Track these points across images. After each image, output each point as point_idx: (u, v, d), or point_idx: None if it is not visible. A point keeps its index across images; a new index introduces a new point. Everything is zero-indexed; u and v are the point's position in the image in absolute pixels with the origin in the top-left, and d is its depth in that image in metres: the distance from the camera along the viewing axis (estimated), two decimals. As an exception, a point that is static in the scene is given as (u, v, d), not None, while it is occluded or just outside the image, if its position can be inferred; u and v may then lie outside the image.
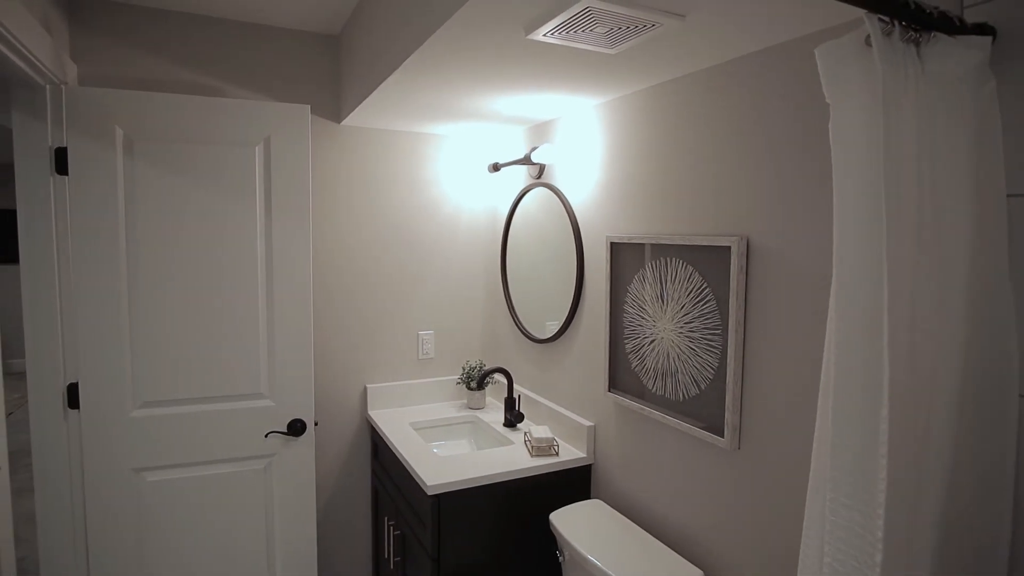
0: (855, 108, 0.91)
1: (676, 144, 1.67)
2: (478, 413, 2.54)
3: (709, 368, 1.56)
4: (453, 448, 2.45)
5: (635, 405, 1.81)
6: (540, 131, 2.34)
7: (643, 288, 1.78)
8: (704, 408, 1.58)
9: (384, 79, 1.76)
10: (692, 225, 1.62)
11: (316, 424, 2.32)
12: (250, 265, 2.10)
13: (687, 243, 1.60)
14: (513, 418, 2.33)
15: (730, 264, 1.48)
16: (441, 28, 1.31)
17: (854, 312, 0.90)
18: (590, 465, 2.08)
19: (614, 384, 1.92)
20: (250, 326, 2.12)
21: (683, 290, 1.64)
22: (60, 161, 1.89)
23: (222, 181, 2.06)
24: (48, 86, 1.85)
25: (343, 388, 2.53)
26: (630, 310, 1.84)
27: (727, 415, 1.50)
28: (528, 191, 2.42)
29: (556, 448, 2.07)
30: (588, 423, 2.06)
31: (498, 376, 2.61)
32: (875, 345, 0.88)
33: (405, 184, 2.57)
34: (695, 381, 1.61)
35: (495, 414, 2.52)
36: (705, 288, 1.57)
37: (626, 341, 1.86)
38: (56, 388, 1.94)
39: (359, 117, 2.31)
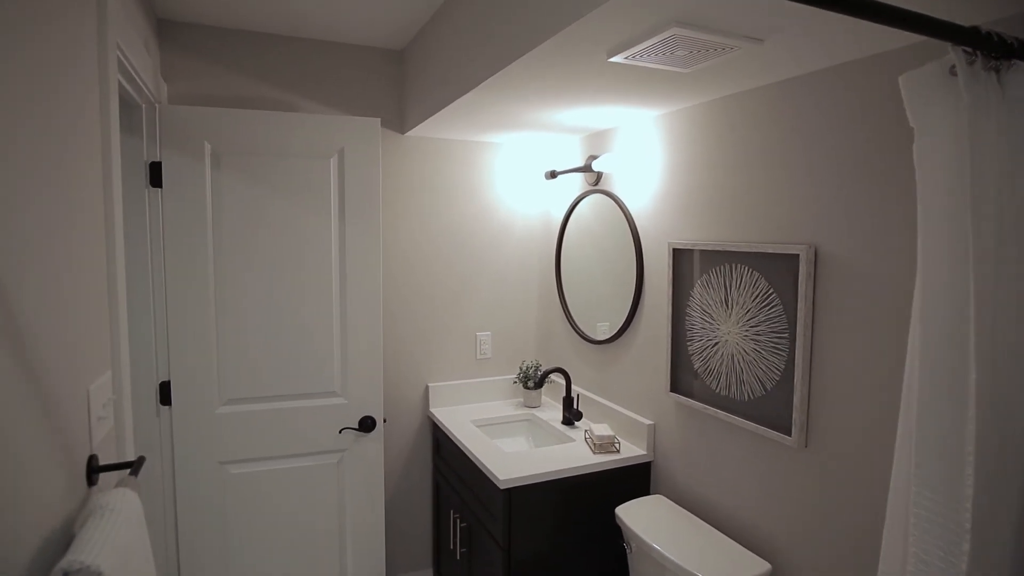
0: (939, 133, 0.98)
1: (742, 154, 1.74)
2: (535, 411, 2.64)
3: (775, 370, 1.64)
4: (514, 444, 2.55)
5: (698, 405, 1.89)
6: (597, 140, 2.43)
7: (707, 293, 1.86)
8: (770, 408, 1.65)
9: (459, 96, 1.86)
10: (758, 233, 1.69)
11: (384, 421, 2.43)
12: (325, 271, 2.23)
13: (753, 250, 1.68)
14: (572, 416, 2.42)
15: (798, 271, 1.55)
16: (530, 53, 1.40)
17: (939, 321, 0.98)
18: (650, 462, 2.16)
19: (676, 384, 2.00)
20: (325, 328, 2.24)
21: (748, 295, 1.71)
22: (155, 174, 2.03)
23: (299, 191, 2.18)
24: (144, 105, 1.99)
25: (406, 387, 2.65)
26: (693, 314, 1.92)
27: (795, 415, 1.57)
28: (584, 197, 2.50)
29: (617, 445, 2.16)
30: (648, 421, 2.14)
31: (555, 376, 2.70)
32: (961, 350, 0.95)
33: (462, 191, 2.68)
34: (760, 382, 1.68)
35: (552, 412, 2.62)
36: (771, 293, 1.64)
37: (689, 343, 1.94)
38: (150, 386, 2.09)
39: (423, 128, 2.42)
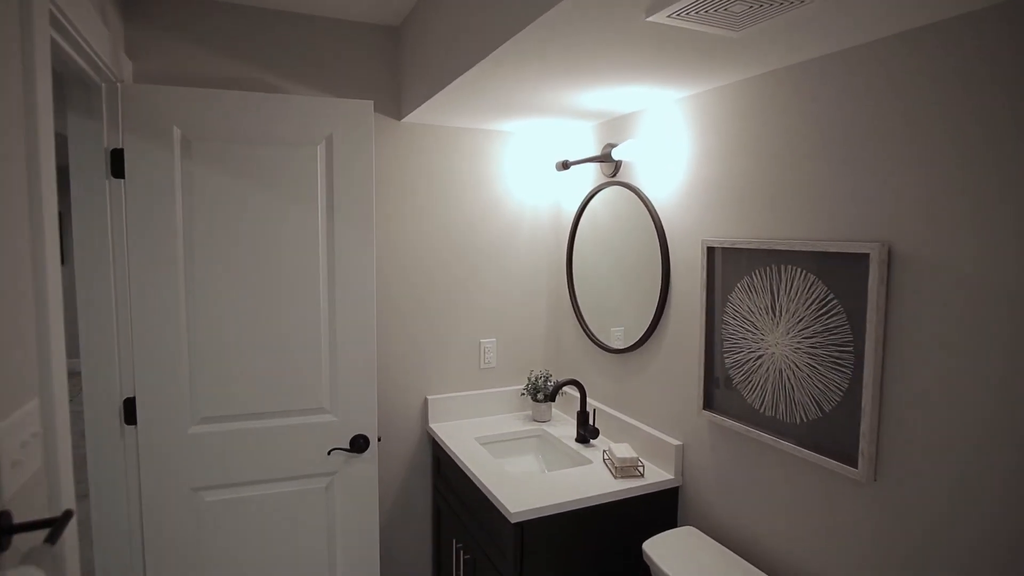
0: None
1: (795, 137, 1.50)
2: (545, 426, 2.39)
3: (836, 389, 1.40)
4: (522, 464, 2.31)
5: (738, 426, 1.65)
6: (614, 126, 2.18)
7: (749, 298, 1.62)
8: (829, 433, 1.41)
9: (465, 70, 1.62)
10: (815, 229, 1.45)
11: (379, 440, 2.20)
12: (312, 272, 1.98)
13: (809, 249, 1.44)
14: (587, 434, 2.18)
15: (868, 274, 1.31)
16: (552, 11, 1.15)
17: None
18: (678, 487, 1.92)
19: (710, 402, 1.76)
20: (312, 337, 2.00)
21: (801, 301, 1.47)
22: (116, 163, 1.78)
23: (282, 183, 1.93)
24: (104, 84, 1.74)
25: (403, 400, 2.40)
26: (731, 321, 1.68)
27: (862, 443, 1.33)
28: (600, 190, 2.26)
29: (641, 469, 1.92)
30: (676, 442, 1.90)
31: (568, 389, 2.46)
32: None
33: (465, 184, 2.43)
34: (816, 402, 1.44)
35: (564, 428, 2.37)
36: (831, 300, 1.40)
37: (726, 355, 1.70)
38: (112, 403, 1.84)
39: (421, 114, 2.17)
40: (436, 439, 2.33)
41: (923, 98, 1.22)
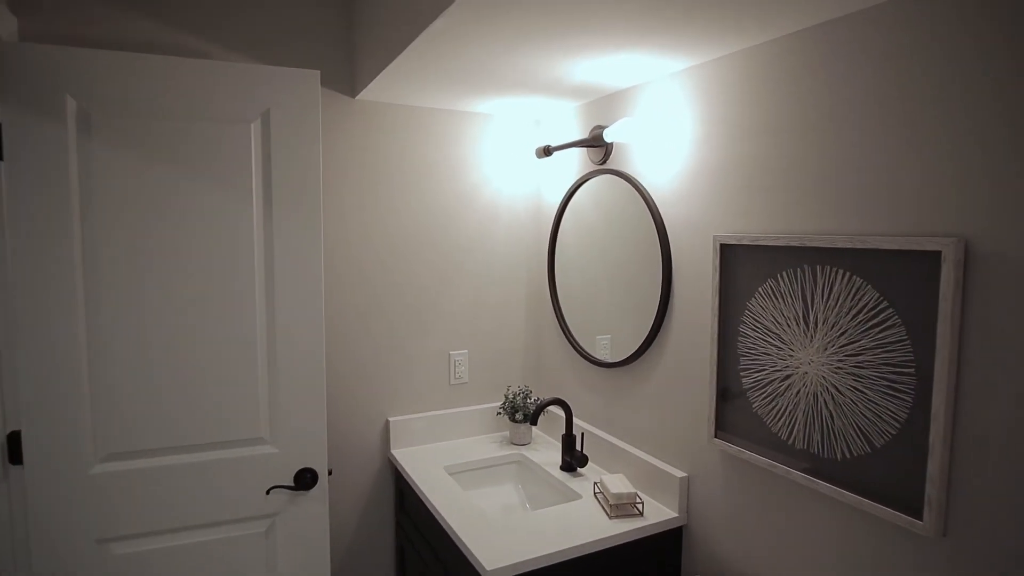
0: None
1: (834, 109, 1.22)
2: (524, 451, 2.09)
3: (891, 418, 1.12)
4: (499, 496, 2.00)
5: (759, 459, 1.37)
6: (602, 107, 1.89)
7: (774, 305, 1.34)
8: (882, 474, 1.14)
9: (430, 22, 1.30)
10: (863, 221, 1.17)
11: (330, 473, 1.87)
12: (246, 276, 1.64)
13: (855, 246, 1.16)
14: (574, 461, 1.88)
15: (938, 276, 1.03)
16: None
17: None
18: (682, 527, 1.64)
19: (723, 427, 1.48)
20: (246, 353, 1.66)
21: (844, 309, 1.19)
22: (-9, 141, 1.43)
23: (208, 168, 1.59)
24: (-27, 41, 1.39)
25: (360, 423, 2.07)
26: (751, 333, 1.40)
27: (928, 488, 1.06)
28: (587, 180, 1.97)
29: (640, 506, 1.63)
30: (680, 473, 1.61)
31: (553, 408, 2.16)
32: None
33: (432, 174, 2.11)
34: (863, 435, 1.17)
35: (546, 452, 2.07)
36: (885, 308, 1.12)
37: (745, 374, 1.42)
38: (-8, 439, 1.48)
39: (379, 89, 1.85)
40: (399, 468, 2.01)
41: (1013, 50, 0.95)
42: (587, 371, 2.03)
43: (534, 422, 1.84)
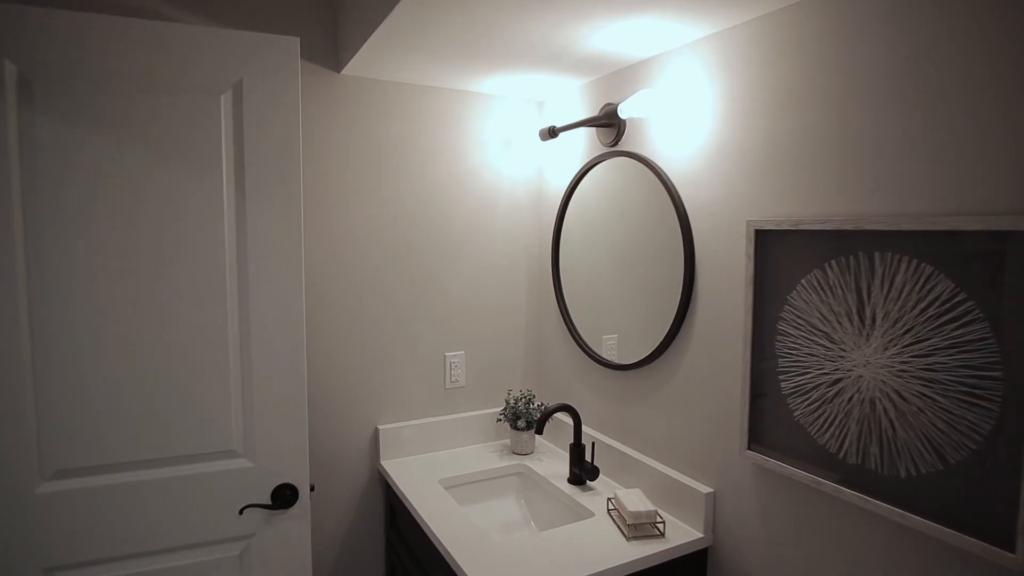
0: None
1: (890, 70, 1.05)
2: (527, 461, 1.91)
3: (971, 431, 0.95)
4: (499, 513, 1.82)
5: (801, 474, 1.20)
6: (612, 84, 1.72)
7: (820, 298, 1.17)
8: (958, 495, 0.97)
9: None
10: (935, 199, 1.00)
11: (312, 489, 1.68)
12: (214, 267, 1.45)
13: (924, 228, 0.99)
14: (583, 473, 1.70)
15: (1036, 261, 0.87)
16: None
17: None
18: (707, 548, 1.46)
19: (757, 438, 1.31)
20: (215, 356, 1.47)
21: (910, 303, 1.02)
22: (-85, 110, 1.23)
23: (171, 146, 1.40)
24: None
25: (345, 432, 1.88)
26: (792, 331, 1.23)
27: (1022, 515, 0.89)
28: (596, 164, 1.79)
29: (661, 526, 1.46)
30: (705, 489, 1.44)
31: (560, 415, 1.98)
32: None
33: (426, 159, 1.93)
34: (935, 449, 1.00)
35: (551, 463, 1.89)
36: (963, 301, 0.95)
37: (784, 377, 1.25)
38: (-83, 456, 1.28)
39: (366, 62, 1.67)
40: (389, 481, 1.82)
41: None
42: (597, 374, 1.85)
43: (540, 431, 1.66)
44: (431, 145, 1.93)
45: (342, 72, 1.77)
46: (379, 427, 1.91)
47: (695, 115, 1.45)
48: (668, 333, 1.54)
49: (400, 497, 1.73)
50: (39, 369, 1.34)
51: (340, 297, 1.84)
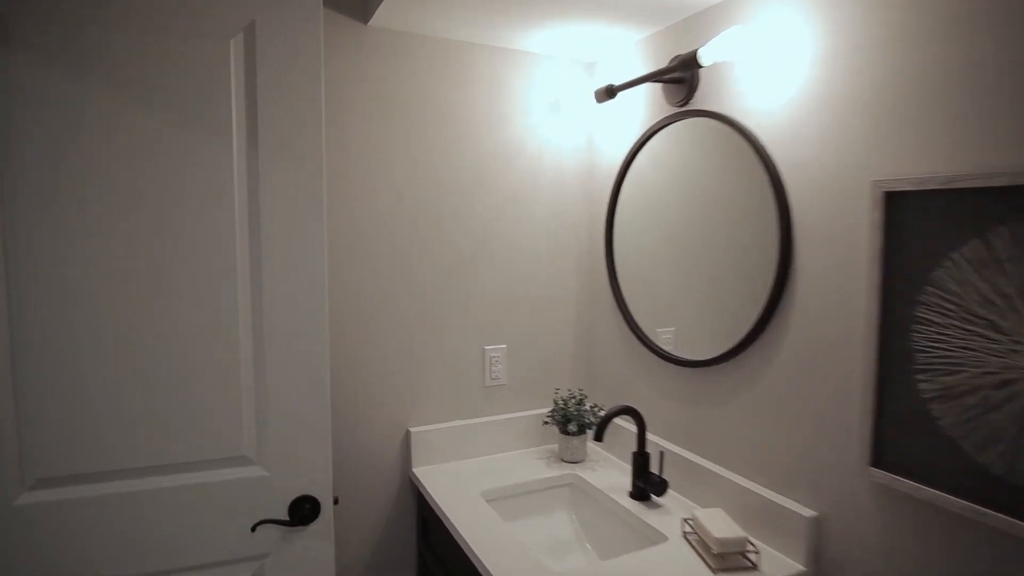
0: None
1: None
2: (578, 470, 1.67)
3: None
4: (549, 529, 1.58)
5: (952, 502, 0.94)
6: (677, 36, 1.47)
7: (981, 276, 0.91)
8: None
9: None
10: None
11: (336, 501, 1.47)
12: (223, 245, 1.24)
13: None
14: (649, 487, 1.46)
15: None
16: None
17: None
18: (808, 583, 1.21)
19: (884, 453, 1.05)
20: (224, 346, 1.26)
21: None
22: None
23: (171, 99, 1.19)
24: None
25: (373, 435, 1.66)
26: (937, 319, 0.97)
27: None
28: (662, 127, 1.54)
29: (753, 556, 1.21)
30: (808, 512, 1.19)
31: (621, 419, 1.73)
32: None
33: (465, 124, 1.69)
34: None
35: (607, 473, 1.65)
36: None
37: (923, 379, 0.99)
38: None
39: (397, 11, 1.44)
40: (422, 491, 1.60)
41: None
42: (660, 372, 1.60)
43: (600, 438, 1.42)
44: (469, 110, 1.69)
45: (369, 23, 1.55)
46: (410, 430, 1.68)
47: (792, 59, 1.19)
48: (756, 324, 1.29)
49: (435, 509, 1.50)
50: (19, 363, 1.14)
51: (365, 281, 1.62)
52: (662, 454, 1.48)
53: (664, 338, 1.57)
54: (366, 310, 1.62)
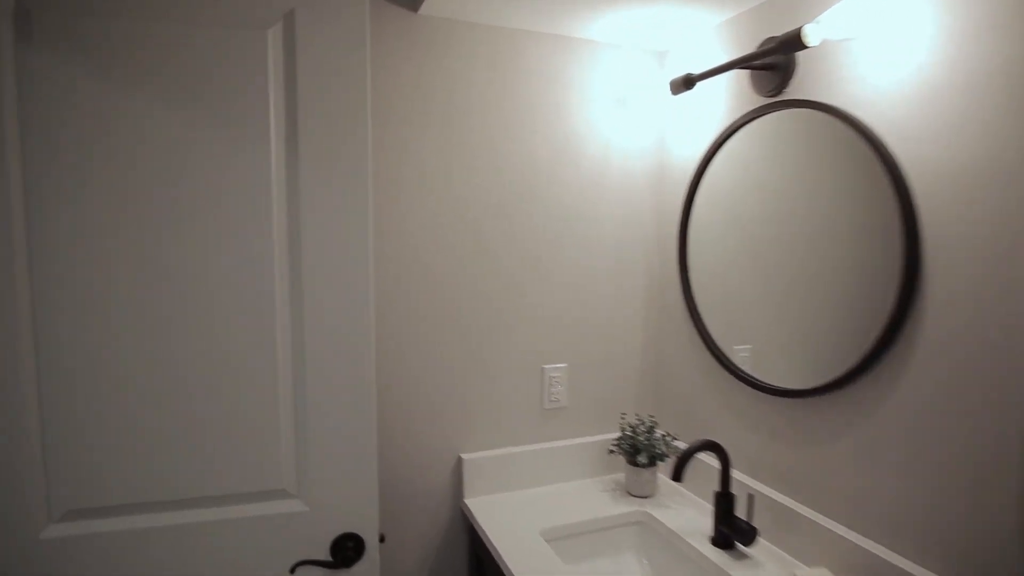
0: None
1: None
2: (648, 506, 1.49)
3: None
4: (615, 575, 1.41)
5: None
6: (762, 18, 1.28)
7: None
8: None
9: None
10: None
11: (382, 540, 1.34)
12: (259, 258, 1.12)
13: None
14: (735, 534, 1.26)
15: None
16: None
17: None
18: (941, 666, 1.00)
19: (1055, 519, 0.84)
20: (261, 370, 1.14)
21: None
22: None
23: (204, 95, 1.08)
24: None
25: (421, 463, 1.53)
26: None
27: None
28: (749, 121, 1.35)
29: (872, 631, 1.00)
30: (940, 580, 0.98)
31: (703, 455, 1.54)
32: None
33: (522, 121, 1.54)
34: None
35: (681, 511, 1.46)
36: None
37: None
38: None
39: (453, 1, 1.31)
40: (475, 525, 1.45)
41: None
42: (745, 400, 1.41)
43: (678, 478, 1.23)
44: (532, 105, 1.54)
45: (420, 11, 1.42)
46: (463, 456, 1.54)
47: (920, 34, 0.99)
48: (874, 348, 1.08)
49: (489, 547, 1.35)
50: (46, 390, 1.05)
51: (412, 294, 1.48)
52: (751, 497, 1.28)
53: (750, 358, 1.37)
54: (412, 323, 1.49)
